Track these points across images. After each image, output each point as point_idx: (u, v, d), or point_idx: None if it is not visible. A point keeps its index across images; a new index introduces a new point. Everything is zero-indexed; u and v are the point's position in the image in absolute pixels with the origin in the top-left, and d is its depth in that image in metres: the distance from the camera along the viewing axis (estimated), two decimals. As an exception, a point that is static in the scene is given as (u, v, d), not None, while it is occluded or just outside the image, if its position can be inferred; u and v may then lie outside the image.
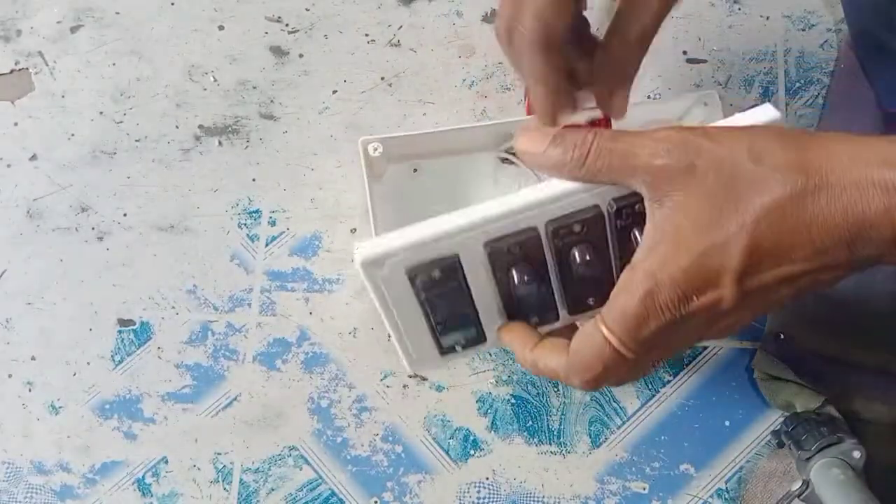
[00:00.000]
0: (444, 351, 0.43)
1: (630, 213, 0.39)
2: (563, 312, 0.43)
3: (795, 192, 0.33)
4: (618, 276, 0.39)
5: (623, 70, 0.44)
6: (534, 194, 0.39)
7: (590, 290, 0.42)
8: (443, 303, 0.41)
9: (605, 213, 0.40)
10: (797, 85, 0.58)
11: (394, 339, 0.43)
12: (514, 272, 0.41)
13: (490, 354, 0.54)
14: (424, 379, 0.54)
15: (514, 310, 0.42)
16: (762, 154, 0.33)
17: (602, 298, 0.40)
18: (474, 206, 0.40)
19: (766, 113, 0.40)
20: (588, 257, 0.40)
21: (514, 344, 0.41)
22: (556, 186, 0.39)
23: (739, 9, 0.59)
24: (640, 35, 0.44)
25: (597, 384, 0.36)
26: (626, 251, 0.40)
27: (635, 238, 0.40)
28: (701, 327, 0.35)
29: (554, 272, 0.42)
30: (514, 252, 0.40)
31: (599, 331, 0.35)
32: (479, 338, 0.43)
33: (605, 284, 0.41)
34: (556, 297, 0.43)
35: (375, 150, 0.49)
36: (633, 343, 0.34)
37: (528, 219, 0.40)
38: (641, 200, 0.38)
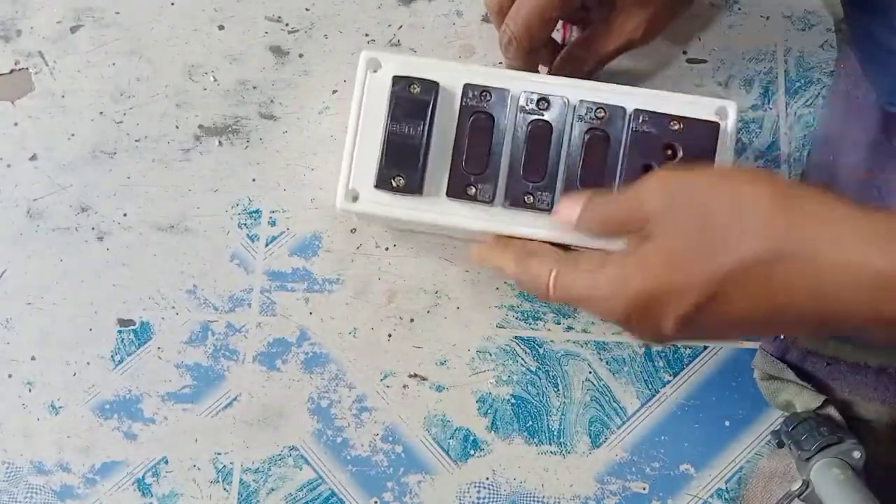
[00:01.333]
0: (381, 180, 0.46)
1: (592, 117, 0.44)
2: (500, 194, 0.45)
3: (767, 260, 0.32)
4: (562, 180, 0.44)
5: (580, 74, 0.49)
6: (524, 74, 0.46)
7: (531, 173, 0.45)
8: (405, 111, 0.45)
9: (570, 107, 0.45)
10: (797, 85, 0.58)
11: (343, 164, 0.47)
12: (473, 117, 0.45)
13: (490, 354, 0.54)
14: (424, 379, 0.54)
15: (460, 165, 0.45)
16: (744, 207, 0.33)
17: (540, 195, 0.45)
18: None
19: (722, 101, 0.45)
20: (540, 131, 0.45)
21: (484, 249, 0.46)
22: (543, 81, 0.45)
23: (739, 9, 0.59)
24: (605, 56, 0.49)
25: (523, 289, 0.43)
26: (575, 151, 0.44)
27: (584, 140, 0.44)
28: (642, 332, 0.37)
29: (508, 140, 0.45)
30: (484, 99, 0.45)
31: (546, 275, 0.40)
32: (418, 185, 0.45)
33: (546, 175, 0.45)
34: (501, 172, 0.45)
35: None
36: (560, 301, 0.40)
37: (507, 81, 0.45)
38: (604, 106, 0.44)
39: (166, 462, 0.54)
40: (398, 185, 0.45)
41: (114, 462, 0.54)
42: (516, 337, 0.55)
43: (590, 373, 0.54)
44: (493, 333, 0.55)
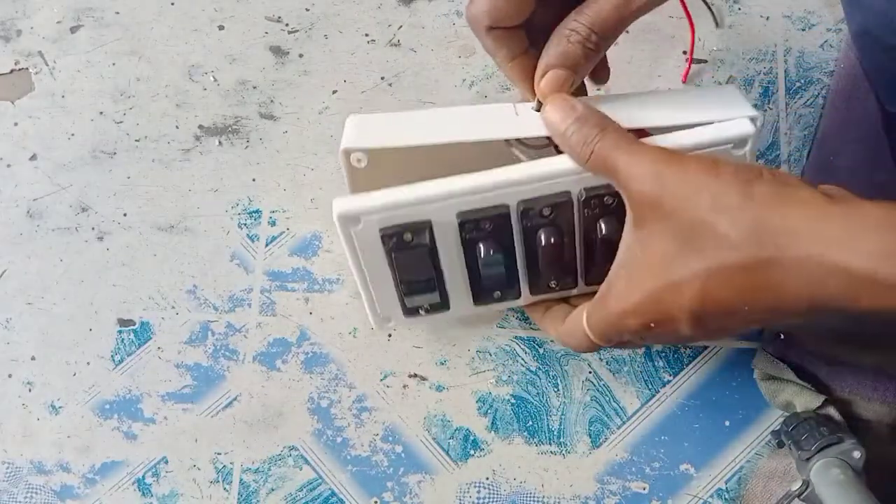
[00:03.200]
0: (409, 312, 0.46)
1: (598, 203, 0.42)
2: (525, 291, 0.46)
3: (747, 262, 0.33)
4: (581, 262, 0.44)
5: (567, 58, 0.41)
6: (510, 173, 0.41)
7: (553, 273, 0.45)
8: (410, 266, 0.43)
9: (575, 201, 0.41)
10: (797, 85, 0.58)
11: (362, 294, 0.45)
12: (481, 246, 0.43)
13: (490, 354, 0.54)
14: (424, 379, 0.54)
15: (479, 282, 0.45)
16: (722, 207, 0.34)
17: (563, 282, 0.45)
18: (453, 177, 0.42)
19: (740, 128, 0.40)
20: (553, 240, 0.43)
21: (531, 309, 0.48)
22: (532, 168, 0.41)
23: (739, 9, 0.59)
24: (611, 24, 0.41)
25: (583, 351, 0.46)
26: (591, 239, 0.43)
27: (600, 228, 0.42)
28: (667, 339, 0.39)
29: (520, 252, 0.44)
30: (483, 227, 0.42)
31: (582, 326, 0.41)
32: (444, 305, 0.46)
33: (567, 268, 0.44)
34: (520, 275, 0.45)
35: (359, 161, 0.43)
36: (604, 342, 0.41)
37: (500, 196, 0.41)
38: (611, 192, 0.41)
39: (166, 462, 0.54)
40: (427, 310, 0.46)
41: (114, 462, 0.54)
42: (516, 337, 0.55)
43: (590, 373, 0.54)
44: (493, 333, 0.55)
